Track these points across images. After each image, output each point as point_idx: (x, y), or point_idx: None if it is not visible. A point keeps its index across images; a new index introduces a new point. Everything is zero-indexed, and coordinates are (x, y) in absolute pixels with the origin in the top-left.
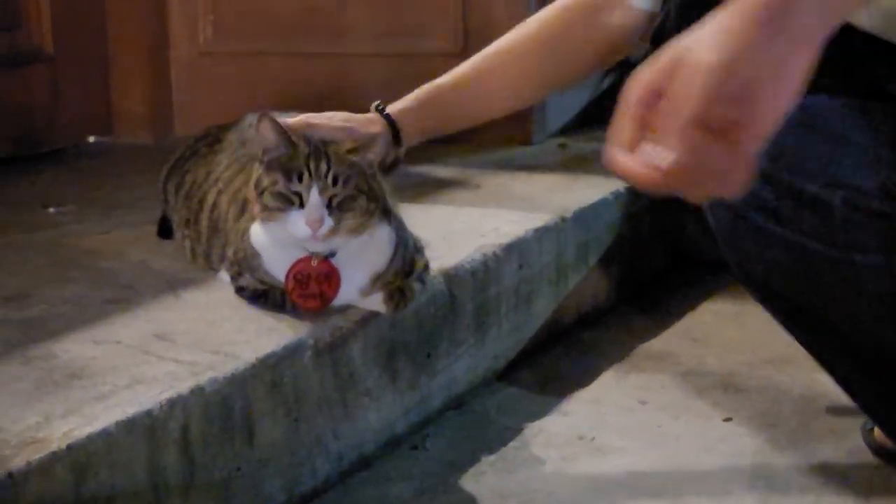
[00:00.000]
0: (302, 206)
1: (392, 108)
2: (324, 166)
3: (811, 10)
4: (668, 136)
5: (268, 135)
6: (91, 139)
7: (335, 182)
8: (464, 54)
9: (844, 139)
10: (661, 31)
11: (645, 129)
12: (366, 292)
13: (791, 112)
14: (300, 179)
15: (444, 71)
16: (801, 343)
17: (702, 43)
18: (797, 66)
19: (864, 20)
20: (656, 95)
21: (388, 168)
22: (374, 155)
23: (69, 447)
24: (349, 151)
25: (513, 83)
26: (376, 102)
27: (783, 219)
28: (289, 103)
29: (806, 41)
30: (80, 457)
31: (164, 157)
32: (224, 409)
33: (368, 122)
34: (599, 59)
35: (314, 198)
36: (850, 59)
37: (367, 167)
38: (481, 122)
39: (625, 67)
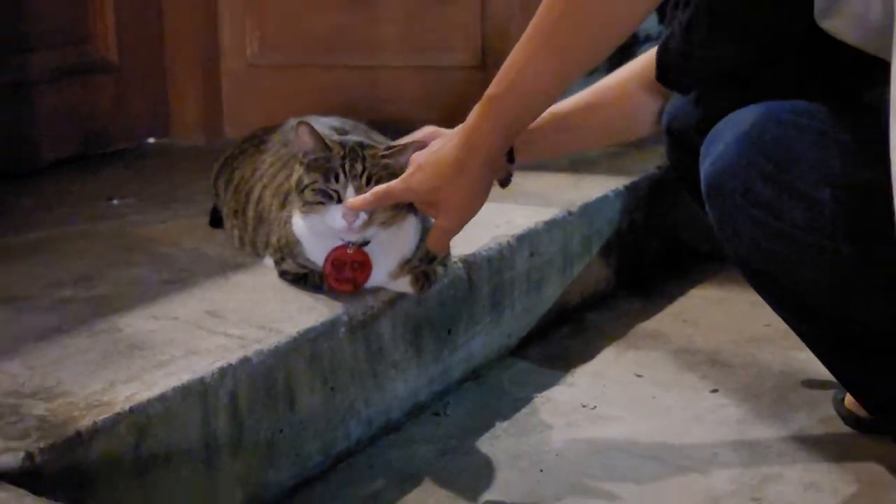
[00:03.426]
0: (339, 201)
1: None
2: (359, 167)
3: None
4: None
5: (305, 139)
6: (150, 140)
7: (369, 181)
8: (482, 68)
9: (834, 141)
10: (665, 49)
11: None
12: (394, 276)
13: (788, 118)
14: (337, 179)
15: (465, 81)
16: (787, 322)
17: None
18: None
19: (850, 36)
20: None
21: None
22: (405, 157)
23: (131, 410)
24: (384, 155)
25: (624, 115)
26: None
27: (778, 212)
28: (326, 110)
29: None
30: (140, 419)
31: (215, 156)
32: (268, 378)
33: None
34: None
35: (350, 195)
36: (838, 69)
37: (398, 168)
38: (589, 148)
39: None
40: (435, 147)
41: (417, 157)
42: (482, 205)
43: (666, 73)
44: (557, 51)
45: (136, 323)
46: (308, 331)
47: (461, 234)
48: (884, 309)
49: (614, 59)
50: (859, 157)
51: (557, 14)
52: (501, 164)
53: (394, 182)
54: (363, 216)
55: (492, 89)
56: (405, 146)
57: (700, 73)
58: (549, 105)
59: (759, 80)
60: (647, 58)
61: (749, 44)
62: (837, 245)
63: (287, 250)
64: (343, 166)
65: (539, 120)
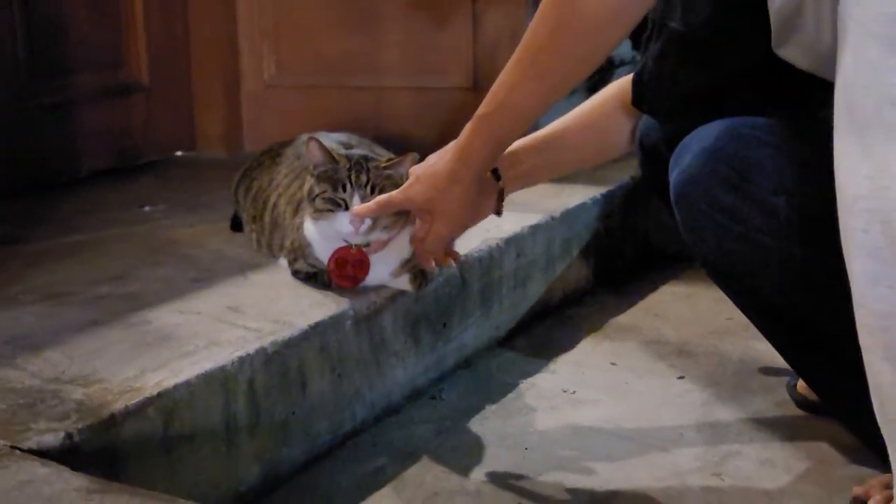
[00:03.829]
0: (347, 209)
1: None
2: (363, 178)
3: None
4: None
5: (315, 153)
6: (178, 154)
7: (373, 190)
8: (474, 89)
9: (788, 154)
10: (640, 78)
11: None
12: (395, 274)
13: (748, 133)
14: (344, 189)
15: (458, 101)
16: (746, 315)
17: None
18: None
19: (803, 63)
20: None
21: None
22: (404, 168)
23: (159, 395)
24: (385, 166)
25: (602, 135)
26: None
27: (739, 217)
28: (335, 126)
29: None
30: (167, 403)
31: (235, 167)
32: (282, 366)
33: None
34: None
35: (356, 203)
36: (794, 91)
37: (398, 178)
38: (571, 170)
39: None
40: (431, 161)
41: (416, 170)
42: (472, 213)
43: (641, 99)
44: (541, 74)
45: (165, 317)
46: (318, 324)
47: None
48: (832, 308)
49: (592, 79)
50: (810, 168)
51: (541, 42)
52: (491, 182)
53: (394, 192)
54: (368, 222)
55: (482, 109)
56: (403, 158)
57: (671, 98)
58: (534, 122)
59: (723, 101)
60: (621, 83)
61: (714, 71)
62: (791, 247)
63: (299, 252)
64: (349, 177)
65: (523, 143)
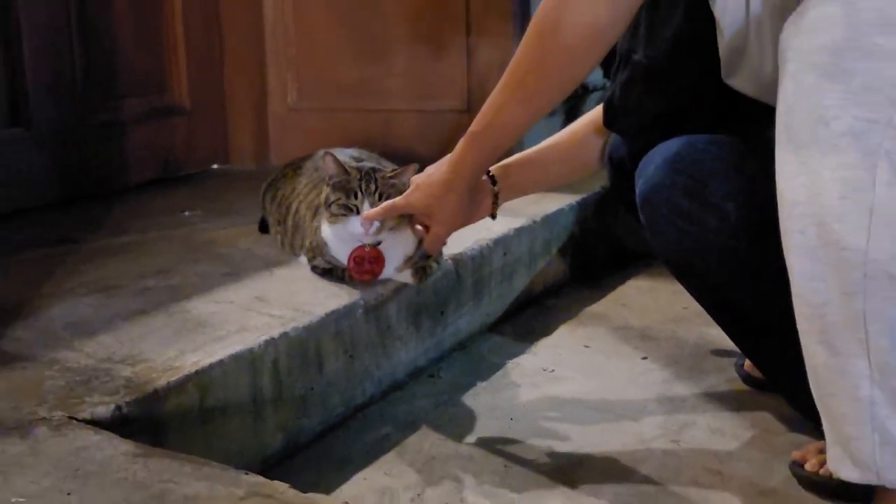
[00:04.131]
0: (358, 213)
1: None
2: (372, 186)
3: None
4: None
5: (330, 166)
6: (214, 167)
7: (380, 197)
8: (468, 111)
9: (738, 165)
10: (610, 102)
11: None
12: (400, 269)
13: (704, 147)
14: (356, 196)
15: (454, 122)
16: (702, 304)
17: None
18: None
19: (749, 90)
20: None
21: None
22: (406, 177)
23: (196, 373)
24: (391, 176)
25: (581, 152)
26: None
27: (696, 220)
28: (349, 143)
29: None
30: (203, 380)
31: (263, 178)
32: (302, 349)
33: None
34: None
35: (366, 208)
36: (742, 113)
37: (402, 186)
38: (555, 182)
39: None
40: (430, 171)
41: (416, 179)
42: (467, 215)
43: (611, 121)
44: (527, 97)
45: (201, 306)
46: (333, 312)
47: (451, 237)
48: (774, 298)
49: (569, 102)
50: (756, 177)
51: (527, 68)
52: (485, 185)
53: (398, 198)
54: (376, 224)
55: (473, 127)
56: (405, 169)
57: (638, 119)
58: (519, 137)
59: (683, 121)
60: (594, 112)
61: (674, 97)
62: (740, 246)
63: (317, 251)
64: (360, 186)
65: (515, 159)
